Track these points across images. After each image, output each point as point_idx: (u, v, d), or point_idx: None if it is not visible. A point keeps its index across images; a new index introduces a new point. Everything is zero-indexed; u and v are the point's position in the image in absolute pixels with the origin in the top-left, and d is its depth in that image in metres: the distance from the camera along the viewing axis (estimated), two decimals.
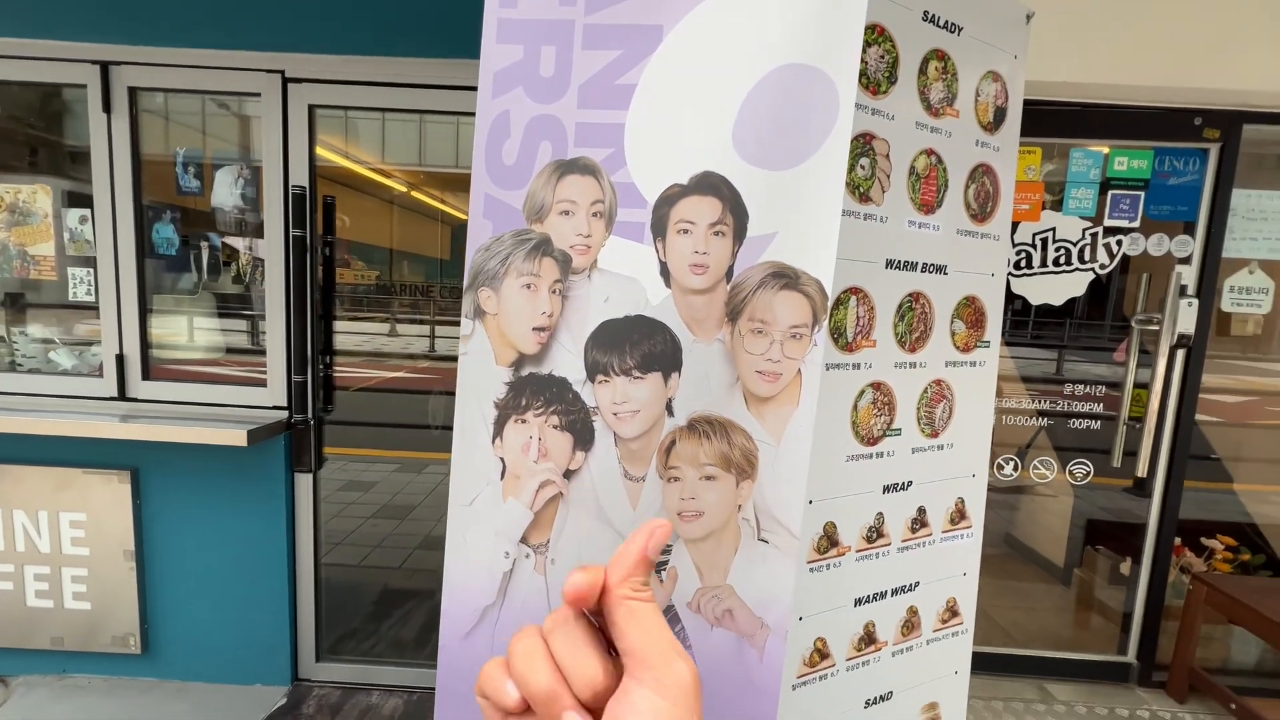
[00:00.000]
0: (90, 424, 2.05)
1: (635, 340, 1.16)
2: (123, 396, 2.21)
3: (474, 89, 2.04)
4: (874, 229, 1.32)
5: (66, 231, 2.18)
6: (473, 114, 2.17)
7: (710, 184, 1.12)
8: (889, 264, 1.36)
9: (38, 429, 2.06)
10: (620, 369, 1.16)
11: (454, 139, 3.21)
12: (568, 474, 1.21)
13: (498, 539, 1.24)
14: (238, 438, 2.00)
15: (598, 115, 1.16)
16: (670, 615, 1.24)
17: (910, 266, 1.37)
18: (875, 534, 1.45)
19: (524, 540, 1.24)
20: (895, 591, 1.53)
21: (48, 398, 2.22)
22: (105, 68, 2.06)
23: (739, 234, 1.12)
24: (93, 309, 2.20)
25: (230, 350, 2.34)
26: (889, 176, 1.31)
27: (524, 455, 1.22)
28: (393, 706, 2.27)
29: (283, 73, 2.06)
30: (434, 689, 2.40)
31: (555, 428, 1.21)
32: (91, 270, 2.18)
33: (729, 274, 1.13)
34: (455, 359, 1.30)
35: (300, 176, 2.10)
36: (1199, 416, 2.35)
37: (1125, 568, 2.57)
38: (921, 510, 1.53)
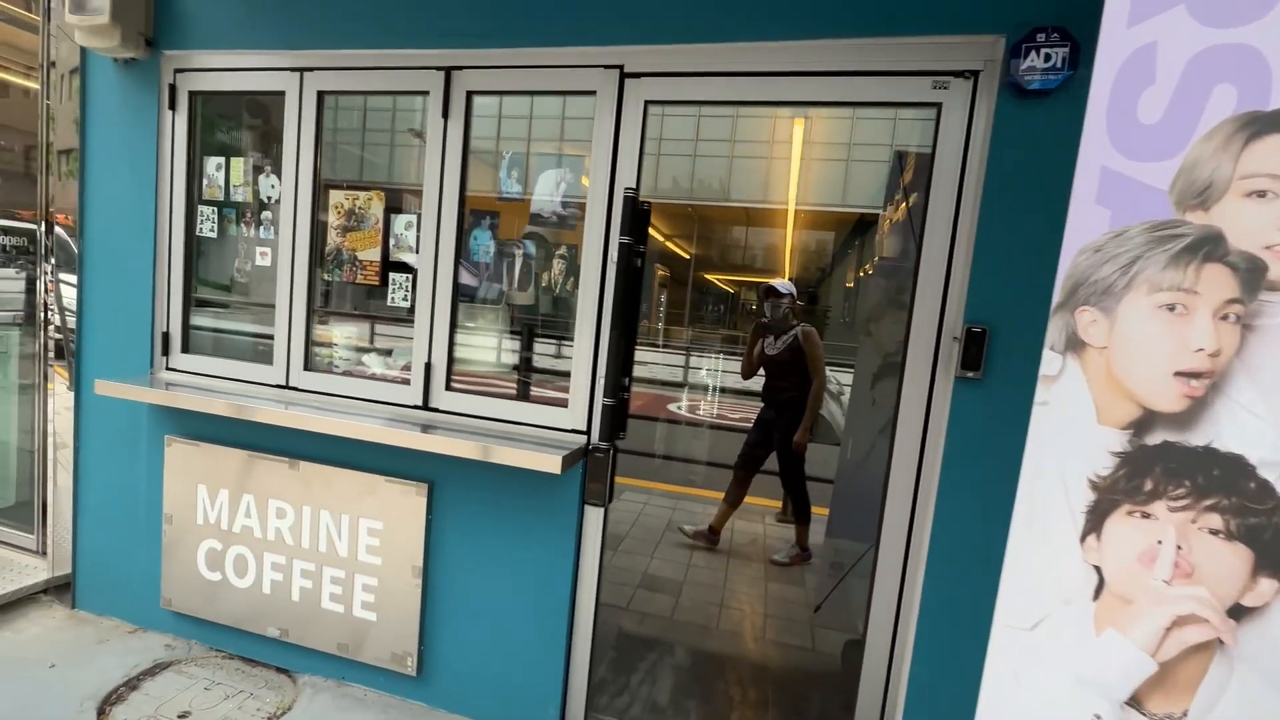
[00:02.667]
0: (404, 434, 1.99)
1: None
2: (425, 406, 2.16)
3: (841, 74, 1.68)
4: None
5: (393, 237, 2.19)
6: (830, 104, 1.72)
7: None
8: None
9: (351, 432, 2.05)
10: None
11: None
12: (1235, 610, 0.75)
13: (1081, 690, 0.81)
14: (551, 463, 1.81)
15: None
16: None
17: None
18: None
19: (1134, 701, 0.80)
20: None
21: (358, 400, 2.23)
22: (448, 73, 2.05)
23: None
24: (399, 316, 2.20)
25: (528, 366, 2.23)
26: None
27: (1145, 569, 0.78)
28: None
29: (621, 67, 1.90)
30: None
31: (1215, 533, 0.75)
32: (410, 276, 2.17)
33: None
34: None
35: (629, 179, 1.91)
36: None
37: None
38: None
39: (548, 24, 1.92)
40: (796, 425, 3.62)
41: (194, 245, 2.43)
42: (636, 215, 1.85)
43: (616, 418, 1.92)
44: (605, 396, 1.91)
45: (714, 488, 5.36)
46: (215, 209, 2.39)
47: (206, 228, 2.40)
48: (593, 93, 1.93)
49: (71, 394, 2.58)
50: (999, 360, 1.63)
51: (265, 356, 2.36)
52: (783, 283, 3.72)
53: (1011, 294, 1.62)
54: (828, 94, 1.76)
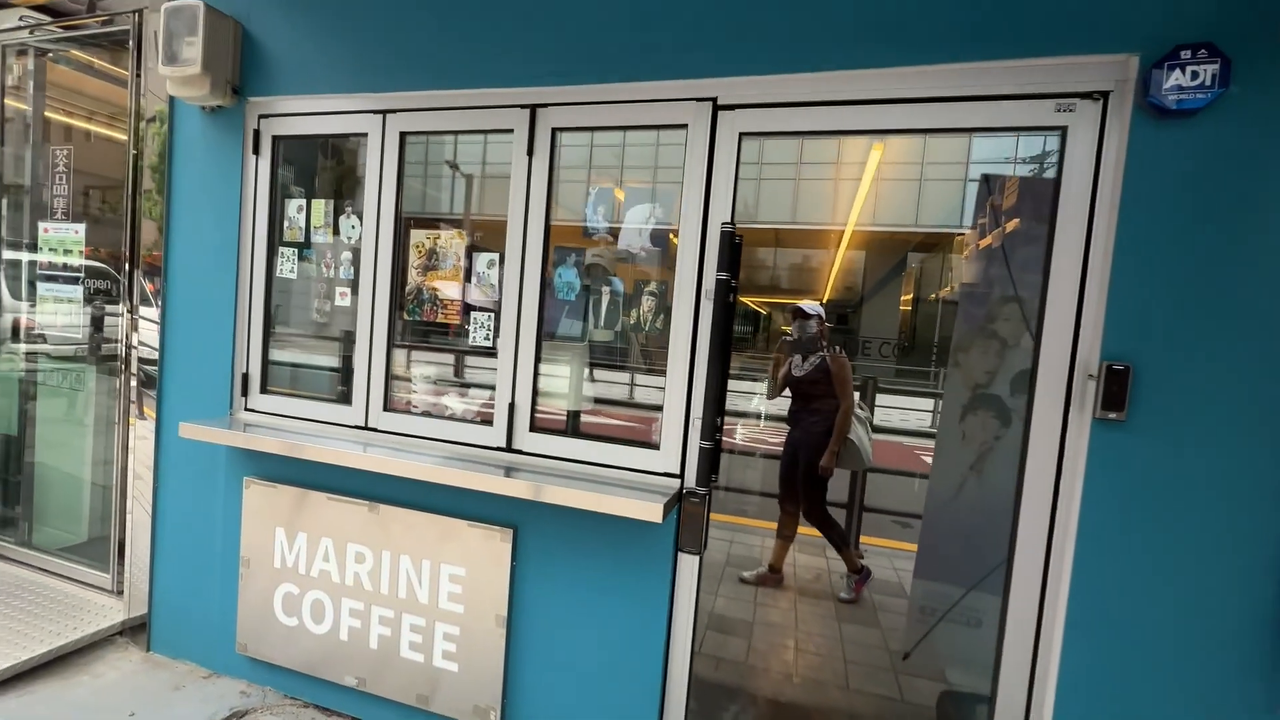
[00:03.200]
0: (487, 478, 1.92)
1: None
2: (509, 447, 2.10)
3: (953, 99, 1.59)
4: None
5: (475, 275, 2.17)
6: (940, 131, 1.65)
7: None
8: None
9: (432, 476, 2.00)
10: None
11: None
12: None
13: None
14: (650, 511, 1.73)
15: None
16: None
17: None
18: None
19: None
20: None
21: (438, 441, 2.19)
22: (533, 111, 2.03)
23: None
24: (485, 352, 2.16)
25: (611, 402, 2.16)
26: None
27: None
28: None
29: (714, 100, 1.85)
30: None
31: None
32: (492, 315, 2.14)
33: None
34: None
35: (724, 213, 1.85)
36: None
37: None
38: None
39: (637, 59, 1.89)
40: (821, 450, 3.54)
41: (273, 286, 2.44)
42: (734, 250, 1.78)
43: (714, 460, 1.83)
44: (702, 438, 1.82)
45: (768, 517, 5.19)
46: (295, 250, 2.41)
47: (286, 268, 2.41)
48: (683, 126, 1.89)
49: (150, 431, 2.60)
50: (1145, 401, 1.50)
51: (344, 396, 2.34)
52: (811, 304, 3.68)
53: (1157, 329, 1.49)
54: (939, 121, 1.68)
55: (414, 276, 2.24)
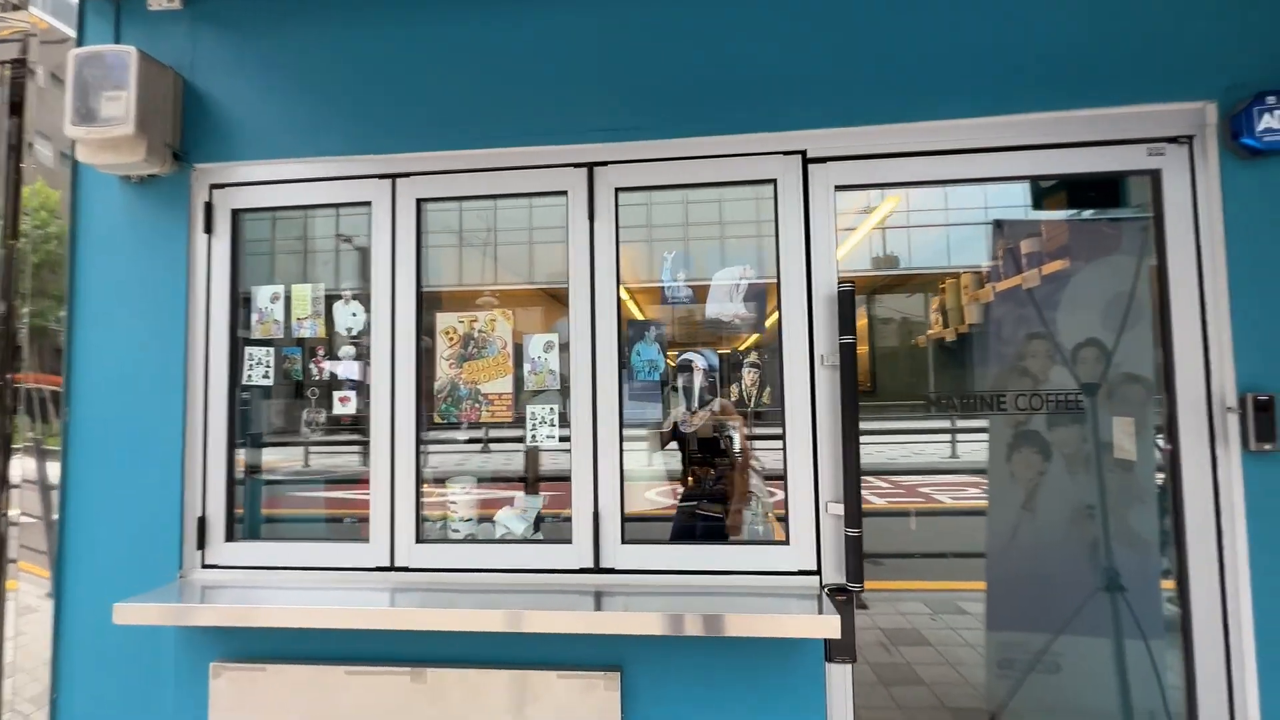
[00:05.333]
0: (584, 616, 1.52)
1: None
2: (597, 567, 1.71)
3: (1047, 147, 1.58)
4: None
5: (528, 362, 1.80)
6: (1039, 177, 1.64)
7: None
8: None
9: (497, 625, 1.55)
10: None
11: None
12: None
13: None
14: (825, 626, 1.44)
15: None
16: None
17: None
18: None
19: None
20: None
21: (498, 573, 1.74)
22: (590, 170, 1.77)
23: None
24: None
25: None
26: None
27: None
28: None
29: (803, 153, 1.72)
30: None
31: None
32: (553, 408, 1.78)
33: None
34: None
35: (831, 272, 1.69)
36: None
37: None
38: None
39: (716, 112, 1.72)
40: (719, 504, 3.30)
41: (237, 397, 1.89)
42: (854, 310, 1.62)
43: (858, 553, 1.60)
44: (847, 526, 1.58)
45: None
46: (269, 350, 1.89)
47: (258, 374, 1.88)
48: (770, 181, 1.73)
49: (43, 613, 1.85)
50: None
51: (356, 531, 1.81)
52: (699, 354, 3.47)
53: None
54: (1036, 168, 1.67)
55: (445, 369, 1.83)
